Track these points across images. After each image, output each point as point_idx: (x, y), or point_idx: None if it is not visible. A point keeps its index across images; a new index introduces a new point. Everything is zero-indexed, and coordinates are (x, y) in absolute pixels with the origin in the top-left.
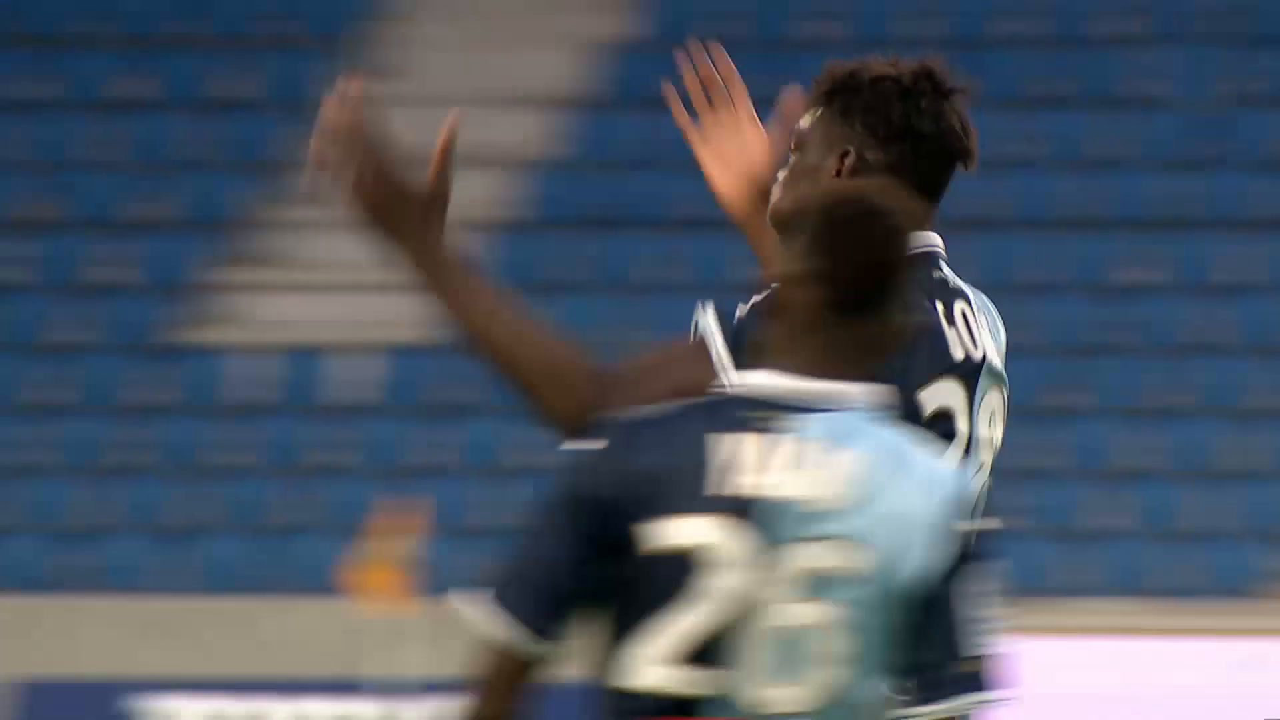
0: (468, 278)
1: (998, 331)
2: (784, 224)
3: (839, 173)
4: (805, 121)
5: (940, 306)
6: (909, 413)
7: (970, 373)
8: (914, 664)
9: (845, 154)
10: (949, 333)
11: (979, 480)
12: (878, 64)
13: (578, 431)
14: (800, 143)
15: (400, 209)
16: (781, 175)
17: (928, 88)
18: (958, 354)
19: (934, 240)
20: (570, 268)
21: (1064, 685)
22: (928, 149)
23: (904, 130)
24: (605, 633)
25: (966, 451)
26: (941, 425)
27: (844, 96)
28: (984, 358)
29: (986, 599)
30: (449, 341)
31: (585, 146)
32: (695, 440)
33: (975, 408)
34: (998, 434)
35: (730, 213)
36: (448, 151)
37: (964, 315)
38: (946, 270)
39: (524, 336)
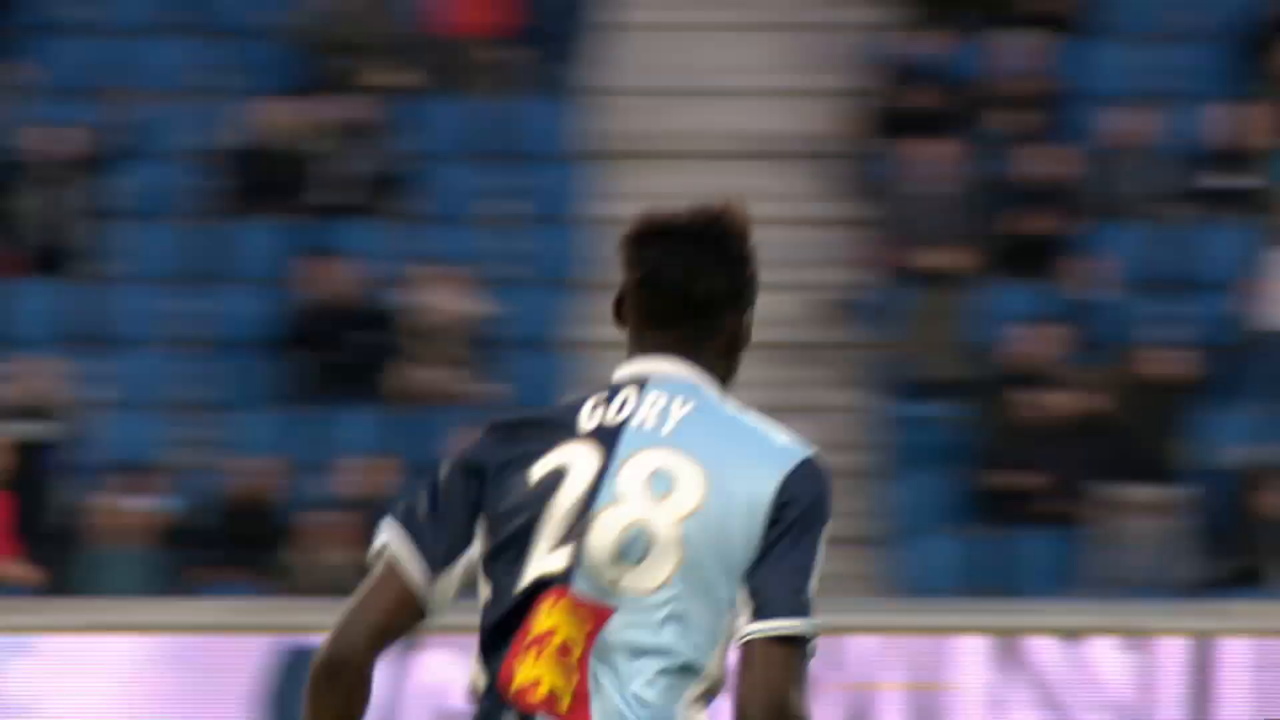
0: None
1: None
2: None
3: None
4: None
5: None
6: None
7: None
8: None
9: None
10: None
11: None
12: (668, 214)
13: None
14: None
15: None
16: None
17: (666, 231)
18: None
19: (647, 368)
20: None
21: None
22: (645, 286)
23: (626, 267)
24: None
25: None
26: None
27: None
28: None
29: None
30: None
31: None
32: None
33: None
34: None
35: None
36: None
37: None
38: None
39: None
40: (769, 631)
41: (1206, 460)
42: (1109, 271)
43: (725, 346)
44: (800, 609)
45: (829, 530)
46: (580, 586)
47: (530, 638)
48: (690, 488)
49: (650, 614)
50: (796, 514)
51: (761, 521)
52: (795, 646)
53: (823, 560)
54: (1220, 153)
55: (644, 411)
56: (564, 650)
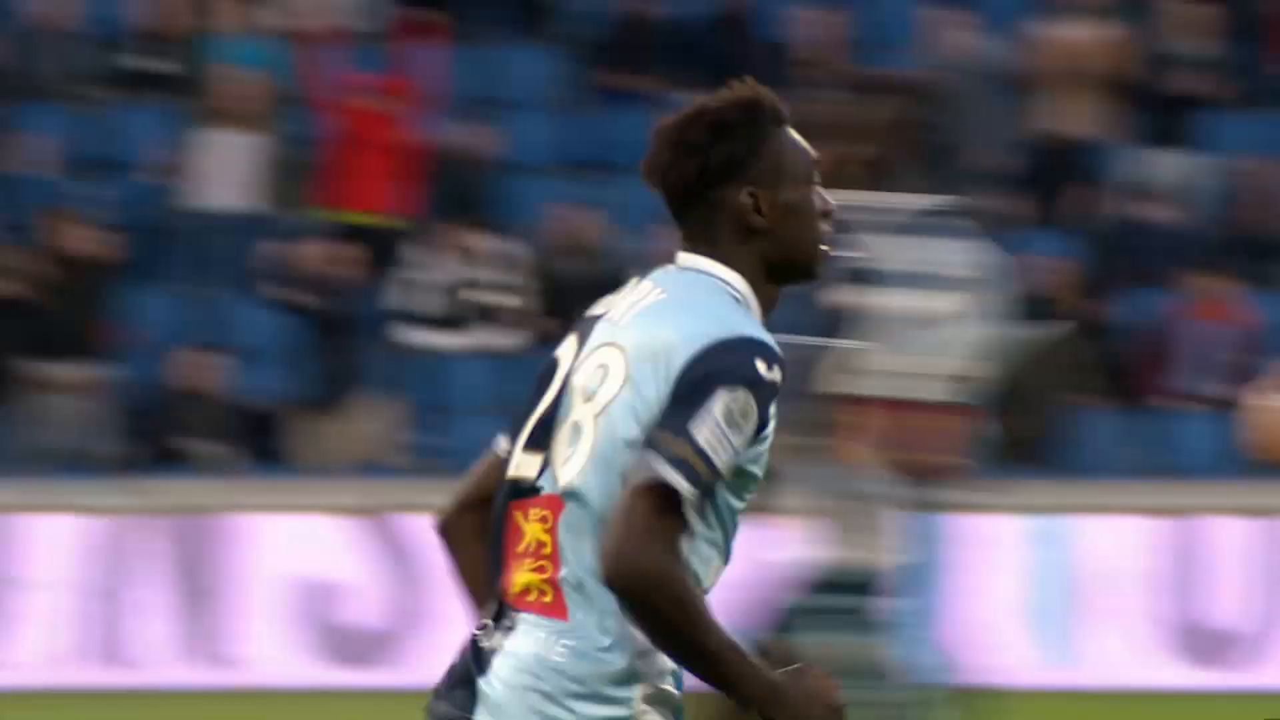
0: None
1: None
2: None
3: None
4: None
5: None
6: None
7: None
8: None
9: None
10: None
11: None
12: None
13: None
14: None
15: None
16: None
17: (653, 133)
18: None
19: (686, 260)
20: None
21: None
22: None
23: None
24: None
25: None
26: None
27: None
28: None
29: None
30: None
31: None
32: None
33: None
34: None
35: None
36: None
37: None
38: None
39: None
40: (630, 474)
41: (129, 339)
42: (31, 151)
43: (736, 226)
44: (662, 448)
45: (739, 403)
46: (544, 486)
47: (522, 547)
48: (613, 381)
49: (583, 505)
50: (691, 381)
51: (666, 397)
52: (656, 492)
53: (724, 429)
54: (143, 36)
55: (623, 302)
56: (538, 549)
